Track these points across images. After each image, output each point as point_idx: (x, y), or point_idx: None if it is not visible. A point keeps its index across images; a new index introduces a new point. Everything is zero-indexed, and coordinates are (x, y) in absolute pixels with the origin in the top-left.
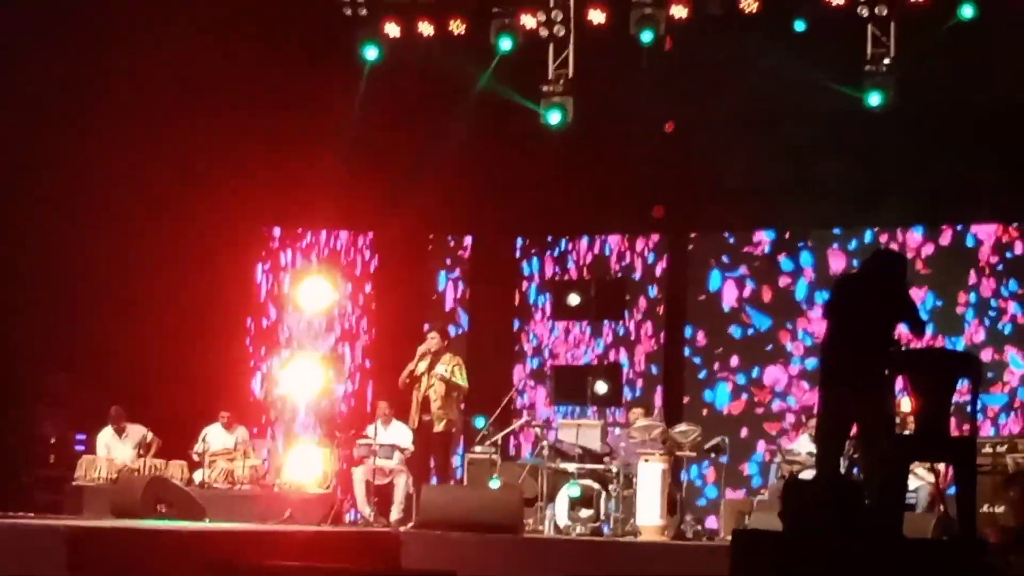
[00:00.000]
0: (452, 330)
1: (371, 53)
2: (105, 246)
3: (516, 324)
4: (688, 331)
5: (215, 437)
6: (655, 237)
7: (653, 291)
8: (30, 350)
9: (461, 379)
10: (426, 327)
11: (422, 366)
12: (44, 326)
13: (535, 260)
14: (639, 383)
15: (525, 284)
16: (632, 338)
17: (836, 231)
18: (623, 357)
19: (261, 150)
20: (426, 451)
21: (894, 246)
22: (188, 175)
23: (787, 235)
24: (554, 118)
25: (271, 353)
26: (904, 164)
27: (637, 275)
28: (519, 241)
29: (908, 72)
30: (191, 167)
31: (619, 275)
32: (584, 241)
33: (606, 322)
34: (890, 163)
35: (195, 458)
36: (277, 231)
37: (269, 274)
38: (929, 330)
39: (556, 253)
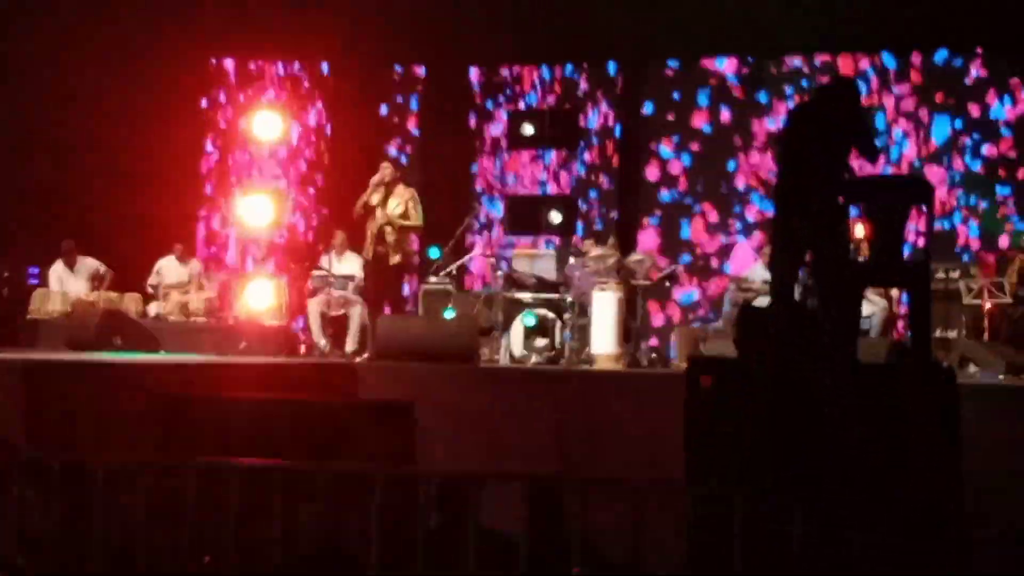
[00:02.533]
0: (405, 160)
1: None
2: (50, 83)
3: (471, 154)
4: (644, 160)
5: (169, 270)
6: (611, 65)
7: (608, 120)
8: None
9: (416, 214)
10: (384, 158)
11: (376, 197)
12: None
13: (488, 89)
14: (594, 213)
15: (479, 113)
16: (586, 168)
17: (795, 61)
18: (578, 187)
19: None
20: (381, 283)
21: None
22: (133, 6)
23: (747, 62)
24: None
25: (224, 186)
26: None
27: (593, 103)
28: (472, 70)
29: None
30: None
31: (574, 103)
32: (539, 69)
33: (561, 150)
34: None
35: (149, 291)
36: (228, 63)
37: (219, 107)
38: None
39: (510, 81)
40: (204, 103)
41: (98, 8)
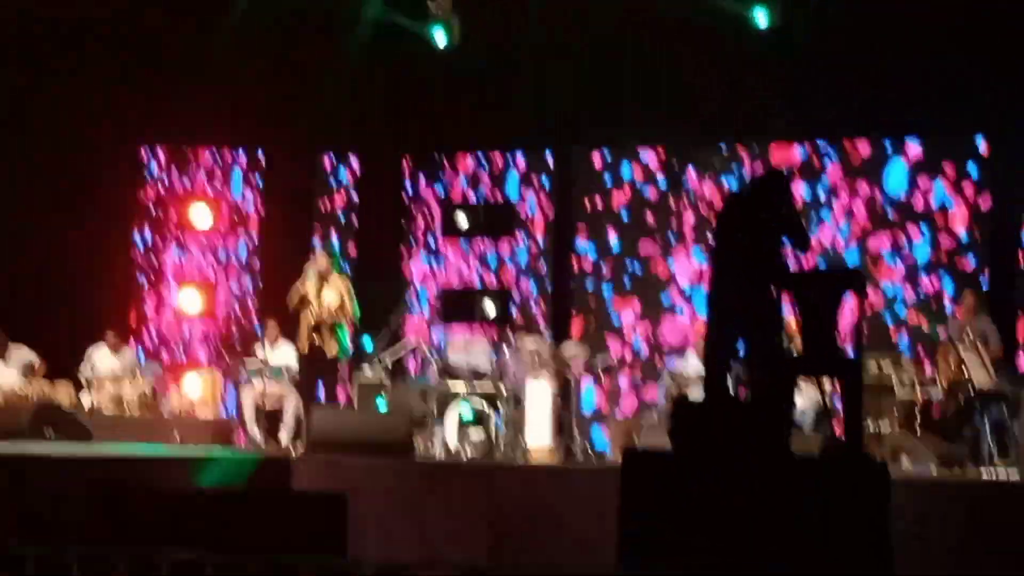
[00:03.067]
0: (338, 248)
1: None
2: None
3: (404, 244)
4: (578, 249)
5: (101, 359)
6: (544, 154)
7: (542, 211)
8: None
9: (352, 304)
10: (318, 248)
11: (312, 289)
12: None
13: (422, 179)
14: (529, 305)
15: (413, 203)
16: (520, 259)
17: (721, 146)
18: (511, 276)
19: (138, 67)
20: (316, 375)
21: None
22: (62, 97)
23: (672, 153)
24: (440, 39)
25: (156, 276)
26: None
27: (526, 193)
28: (406, 160)
29: None
30: (64, 88)
31: (508, 195)
32: (473, 159)
33: (495, 240)
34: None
35: (82, 381)
36: (158, 151)
37: (151, 195)
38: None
39: (444, 171)
40: (138, 187)
41: (27, 92)
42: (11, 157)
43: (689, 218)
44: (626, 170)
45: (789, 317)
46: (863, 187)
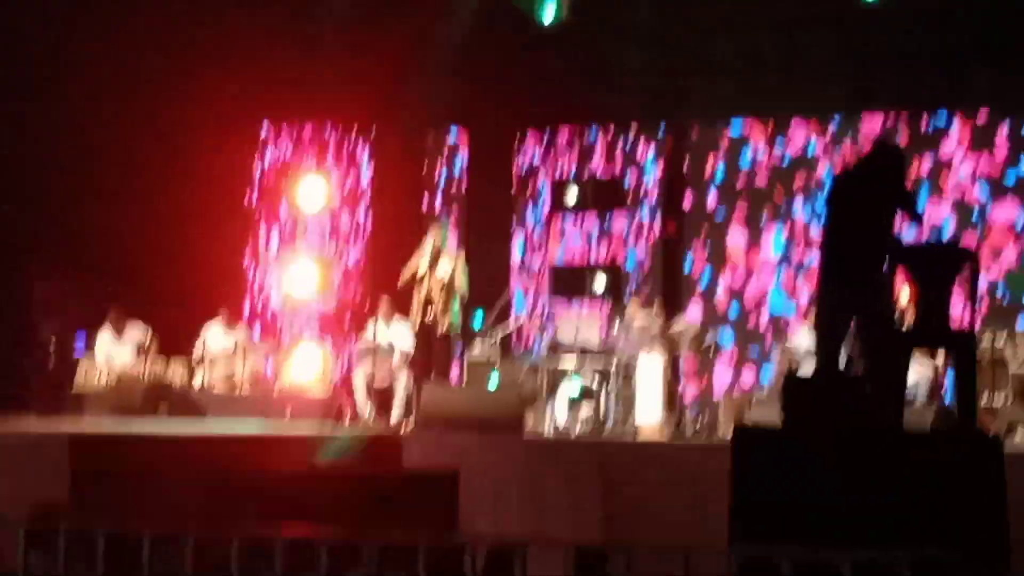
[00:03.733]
0: (451, 227)
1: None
2: (96, 146)
3: (515, 219)
4: (688, 224)
5: (214, 338)
6: (654, 128)
7: (650, 185)
8: (23, 253)
9: (463, 282)
10: (432, 225)
11: (423, 265)
12: (37, 230)
13: (533, 154)
14: (639, 278)
15: (523, 178)
16: (631, 232)
17: (834, 118)
18: (622, 251)
19: (256, 45)
20: (429, 352)
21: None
22: (182, 70)
23: (783, 126)
24: (548, 15)
25: (271, 252)
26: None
27: (636, 168)
28: (517, 134)
29: None
30: (185, 62)
31: (619, 171)
32: (583, 133)
33: (605, 215)
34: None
35: (195, 359)
36: (273, 127)
37: (266, 171)
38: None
39: (555, 147)
40: (253, 167)
41: (138, 71)
42: (125, 131)
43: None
44: (737, 144)
45: (903, 290)
46: (983, 158)
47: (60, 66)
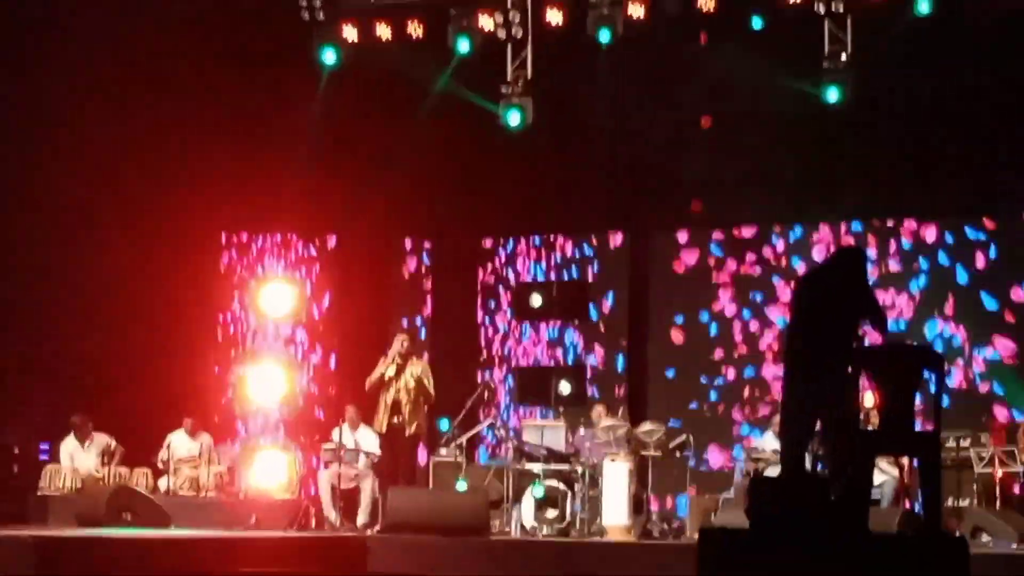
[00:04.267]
0: (416, 332)
1: (329, 57)
2: (65, 252)
3: (479, 326)
4: (651, 329)
5: (179, 444)
6: (615, 237)
7: (615, 290)
8: None
9: (429, 386)
10: (398, 330)
11: (391, 370)
12: (3, 334)
13: (497, 262)
14: (603, 383)
15: (487, 286)
16: (594, 338)
17: (796, 227)
18: (586, 357)
19: (222, 155)
20: (394, 455)
21: (850, 241)
22: (150, 182)
23: (745, 231)
24: (513, 119)
25: (235, 359)
26: (860, 159)
27: (599, 274)
28: (480, 242)
29: (865, 69)
30: (153, 174)
31: (581, 275)
32: (545, 241)
33: (569, 320)
34: (846, 159)
35: (160, 466)
36: (240, 237)
37: (232, 280)
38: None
39: (518, 253)
40: (221, 277)
41: (110, 180)
42: (97, 243)
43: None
44: (696, 252)
45: (867, 394)
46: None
47: (29, 186)
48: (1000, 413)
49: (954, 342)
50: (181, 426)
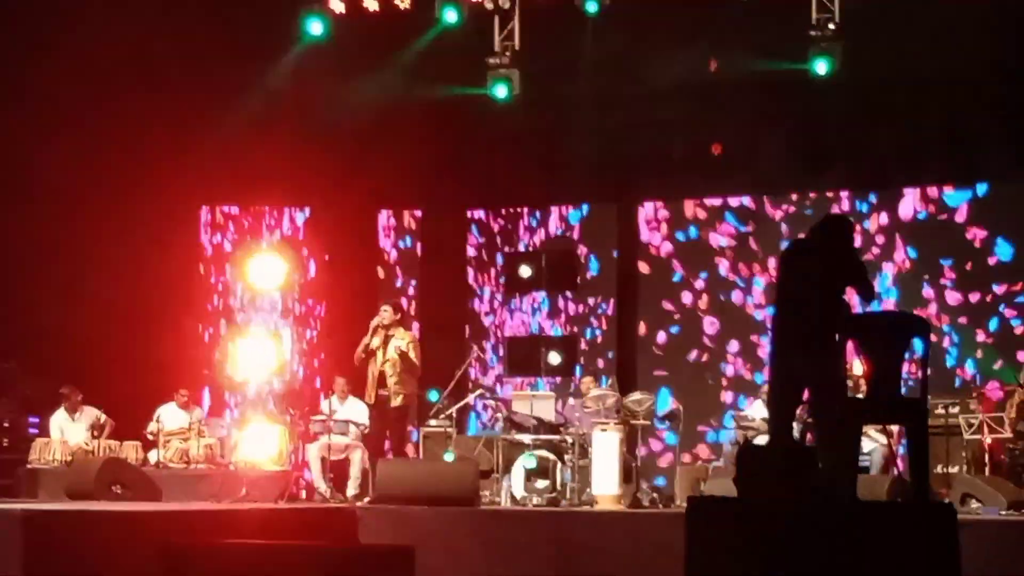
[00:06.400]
0: (403, 304)
1: (316, 27)
2: (51, 226)
3: (468, 297)
4: (640, 299)
5: (169, 416)
6: (605, 207)
7: (603, 261)
8: None
9: (414, 357)
10: (381, 302)
11: (376, 341)
12: None
13: (485, 233)
14: (592, 353)
15: (475, 257)
16: (584, 308)
17: (787, 196)
18: (576, 328)
19: (208, 128)
20: (383, 426)
21: (836, 211)
22: (133, 155)
23: (733, 202)
24: (500, 92)
25: (223, 332)
26: (846, 132)
27: (588, 245)
28: (469, 214)
29: (853, 39)
30: (135, 147)
31: (570, 245)
32: (534, 212)
33: (559, 290)
34: (833, 131)
35: (149, 438)
36: (228, 209)
37: (219, 254)
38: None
39: (506, 225)
40: (208, 250)
41: (92, 155)
42: (82, 218)
43: (754, 268)
44: (685, 222)
45: (854, 362)
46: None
47: (12, 161)
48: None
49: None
50: (172, 399)
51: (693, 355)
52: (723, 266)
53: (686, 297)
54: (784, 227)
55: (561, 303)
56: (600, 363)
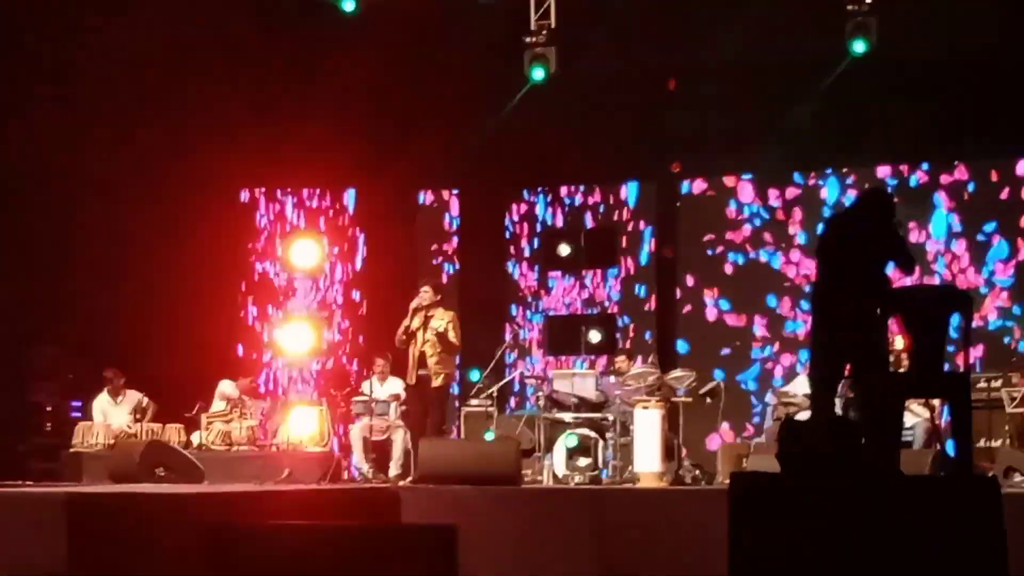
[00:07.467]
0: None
1: (348, 5)
2: (91, 212)
3: (507, 276)
4: (680, 276)
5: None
6: (645, 184)
7: (644, 239)
8: (19, 321)
9: (454, 337)
10: (420, 283)
11: (416, 322)
12: (33, 296)
13: (524, 211)
14: (633, 331)
15: (515, 236)
16: (624, 286)
17: (825, 171)
18: (616, 305)
19: (246, 111)
20: (423, 406)
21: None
22: (174, 139)
23: (773, 177)
24: (538, 74)
25: (265, 315)
26: (883, 108)
27: (627, 222)
28: (509, 192)
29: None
30: (177, 131)
31: (608, 224)
32: (574, 191)
33: (598, 269)
34: (869, 107)
35: (196, 413)
36: (264, 192)
37: (259, 235)
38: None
39: (545, 203)
40: (248, 232)
41: (133, 139)
42: (124, 202)
43: (795, 242)
44: (725, 198)
45: (896, 336)
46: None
47: (55, 146)
48: None
49: (981, 289)
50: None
51: (733, 332)
52: (763, 242)
53: (726, 273)
54: (824, 201)
55: (600, 281)
56: (641, 341)
